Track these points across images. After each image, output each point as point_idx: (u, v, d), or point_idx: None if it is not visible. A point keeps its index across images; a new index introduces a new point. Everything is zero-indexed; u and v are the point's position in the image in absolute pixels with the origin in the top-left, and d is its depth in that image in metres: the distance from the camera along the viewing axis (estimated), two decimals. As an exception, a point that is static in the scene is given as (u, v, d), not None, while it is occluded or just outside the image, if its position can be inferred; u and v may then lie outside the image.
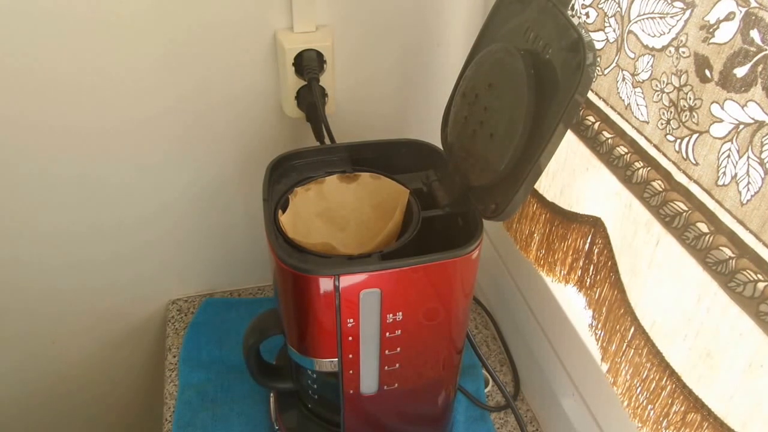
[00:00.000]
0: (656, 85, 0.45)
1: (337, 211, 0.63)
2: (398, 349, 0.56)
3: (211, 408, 0.74)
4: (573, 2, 0.51)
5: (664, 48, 0.44)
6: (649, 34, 0.45)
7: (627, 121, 0.49)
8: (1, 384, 0.91)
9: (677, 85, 0.43)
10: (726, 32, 0.38)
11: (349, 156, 0.63)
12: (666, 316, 0.47)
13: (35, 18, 0.61)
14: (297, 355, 0.57)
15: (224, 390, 0.76)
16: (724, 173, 0.40)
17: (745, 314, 0.39)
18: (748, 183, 0.38)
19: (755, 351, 0.39)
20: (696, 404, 0.45)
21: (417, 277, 0.52)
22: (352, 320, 0.52)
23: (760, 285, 0.38)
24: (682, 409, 0.46)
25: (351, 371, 0.57)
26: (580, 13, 0.53)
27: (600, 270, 0.56)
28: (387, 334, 0.54)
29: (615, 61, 0.49)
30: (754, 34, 0.36)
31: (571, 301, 0.67)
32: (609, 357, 0.55)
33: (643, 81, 0.46)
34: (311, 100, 0.70)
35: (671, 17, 0.43)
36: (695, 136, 0.42)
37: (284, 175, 0.60)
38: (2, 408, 0.94)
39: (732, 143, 0.39)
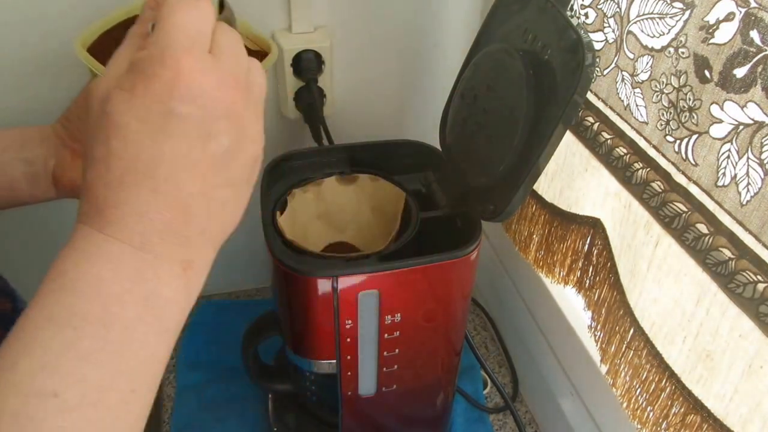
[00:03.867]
0: (656, 86, 0.45)
1: (336, 213, 0.62)
2: (397, 350, 0.56)
3: (209, 409, 0.74)
4: (572, 3, 0.51)
5: (663, 48, 0.44)
6: (648, 35, 0.45)
7: (626, 121, 0.49)
8: None
9: (677, 86, 0.43)
10: (725, 33, 0.38)
11: (347, 157, 0.62)
12: (665, 318, 0.47)
13: None
14: (295, 356, 0.57)
15: (222, 391, 0.76)
16: (724, 174, 0.40)
17: (744, 315, 0.39)
18: (748, 184, 0.38)
19: (755, 352, 0.39)
20: (696, 405, 0.45)
21: (415, 279, 0.51)
22: (350, 321, 0.52)
23: (760, 286, 0.38)
24: (682, 410, 0.46)
25: (349, 373, 0.56)
26: (579, 13, 0.53)
27: (599, 271, 0.56)
28: (385, 335, 0.54)
29: (614, 61, 0.49)
30: (754, 34, 0.36)
31: (570, 302, 0.67)
32: (608, 358, 0.55)
33: (643, 81, 0.46)
34: (309, 101, 0.70)
35: (671, 18, 0.42)
36: (695, 136, 0.42)
37: (282, 177, 0.60)
38: None
39: (732, 144, 0.39)
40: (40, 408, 0.26)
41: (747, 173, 0.38)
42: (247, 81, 0.33)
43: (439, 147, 0.61)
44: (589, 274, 0.57)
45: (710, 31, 0.39)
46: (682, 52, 0.42)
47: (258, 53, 0.56)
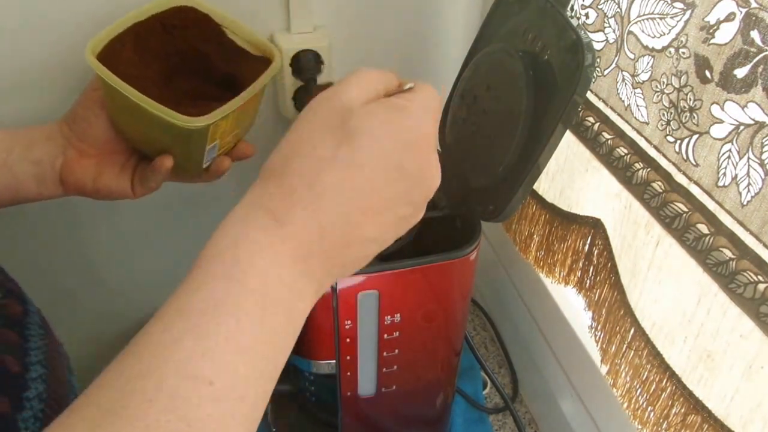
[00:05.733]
0: (656, 86, 0.45)
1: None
2: (396, 350, 0.56)
3: (208, 410, 0.73)
4: (572, 3, 0.51)
5: (664, 49, 0.44)
6: (649, 35, 0.45)
7: (627, 122, 0.49)
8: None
9: (677, 86, 0.42)
10: (726, 33, 0.38)
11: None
12: (666, 318, 0.47)
13: None
14: (294, 356, 0.57)
15: (221, 392, 0.76)
16: (725, 174, 0.39)
17: (745, 315, 0.39)
18: (749, 184, 0.38)
19: (756, 352, 0.39)
20: (696, 406, 0.45)
21: (415, 279, 0.51)
22: (350, 322, 0.52)
23: (761, 286, 0.38)
24: (683, 410, 0.46)
25: (349, 373, 0.56)
26: (580, 13, 0.53)
27: (600, 271, 0.56)
28: (385, 335, 0.54)
29: (615, 61, 0.49)
30: (755, 34, 0.36)
31: (570, 302, 0.67)
32: (609, 359, 0.55)
33: (643, 82, 0.46)
34: (309, 102, 0.70)
35: (671, 18, 0.42)
36: (695, 137, 0.41)
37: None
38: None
39: (732, 144, 0.39)
40: (195, 393, 0.26)
41: (747, 173, 0.38)
42: None
43: (438, 147, 0.61)
44: (590, 275, 0.57)
45: (711, 31, 0.39)
46: (683, 53, 0.42)
47: (260, 59, 0.57)
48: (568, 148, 0.57)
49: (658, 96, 0.45)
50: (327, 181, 0.31)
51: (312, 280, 0.32)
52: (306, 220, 0.31)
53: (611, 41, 0.50)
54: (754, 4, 0.36)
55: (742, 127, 0.38)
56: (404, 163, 0.33)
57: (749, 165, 0.38)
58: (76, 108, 0.54)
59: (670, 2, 0.42)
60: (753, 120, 0.37)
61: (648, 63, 0.45)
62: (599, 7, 0.51)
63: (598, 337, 0.56)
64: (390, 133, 0.33)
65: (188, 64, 0.56)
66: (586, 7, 0.52)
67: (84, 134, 0.53)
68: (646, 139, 0.47)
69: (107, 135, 0.53)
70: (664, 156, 0.45)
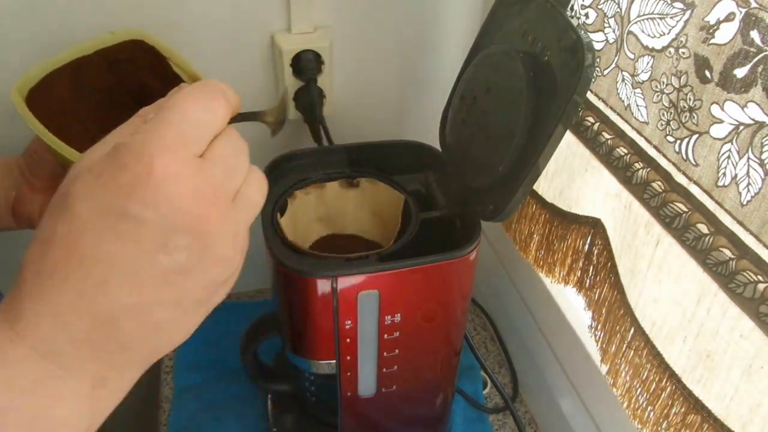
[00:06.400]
0: (656, 86, 0.45)
1: (336, 217, 0.62)
2: (396, 350, 0.56)
3: (207, 411, 0.73)
4: (572, 3, 0.51)
5: (663, 49, 0.44)
6: (648, 35, 0.45)
7: (627, 122, 0.49)
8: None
9: (677, 86, 0.43)
10: (726, 33, 0.38)
11: (347, 157, 0.62)
12: (666, 317, 0.47)
13: None
14: (295, 357, 0.57)
15: (221, 392, 0.76)
16: (724, 174, 0.40)
17: (745, 315, 0.39)
18: (748, 184, 0.38)
19: (756, 352, 0.39)
20: (696, 405, 0.45)
21: (415, 279, 0.51)
22: (350, 322, 0.52)
23: (761, 286, 0.38)
24: (682, 410, 0.46)
25: (349, 373, 0.56)
26: (580, 14, 0.53)
27: (600, 271, 0.56)
28: (385, 335, 0.54)
29: (614, 61, 0.49)
30: (754, 34, 0.36)
31: (570, 302, 0.67)
32: (609, 358, 0.55)
33: (643, 82, 0.46)
34: (309, 101, 0.70)
35: (671, 18, 0.42)
36: (695, 136, 0.42)
37: (281, 177, 0.60)
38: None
39: (732, 144, 0.39)
40: None
41: (747, 173, 0.38)
42: (234, 197, 0.30)
43: (439, 147, 0.61)
44: (590, 274, 0.57)
45: (711, 31, 0.39)
46: (683, 53, 0.42)
47: None
48: (568, 148, 0.57)
49: (657, 96, 0.45)
50: (49, 261, 0.27)
51: (74, 374, 0.27)
52: (37, 305, 0.26)
53: (611, 41, 0.50)
54: (754, 4, 0.36)
55: (741, 127, 0.38)
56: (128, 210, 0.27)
57: (749, 165, 0.38)
58: (30, 144, 0.55)
59: (670, 2, 0.43)
60: (753, 120, 0.37)
61: (648, 63, 0.45)
62: (599, 7, 0.51)
63: (598, 337, 0.56)
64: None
65: (131, 97, 0.56)
66: (586, 7, 0.52)
67: (36, 169, 0.54)
68: (646, 139, 0.47)
69: (57, 170, 0.54)
70: (664, 156, 0.45)
